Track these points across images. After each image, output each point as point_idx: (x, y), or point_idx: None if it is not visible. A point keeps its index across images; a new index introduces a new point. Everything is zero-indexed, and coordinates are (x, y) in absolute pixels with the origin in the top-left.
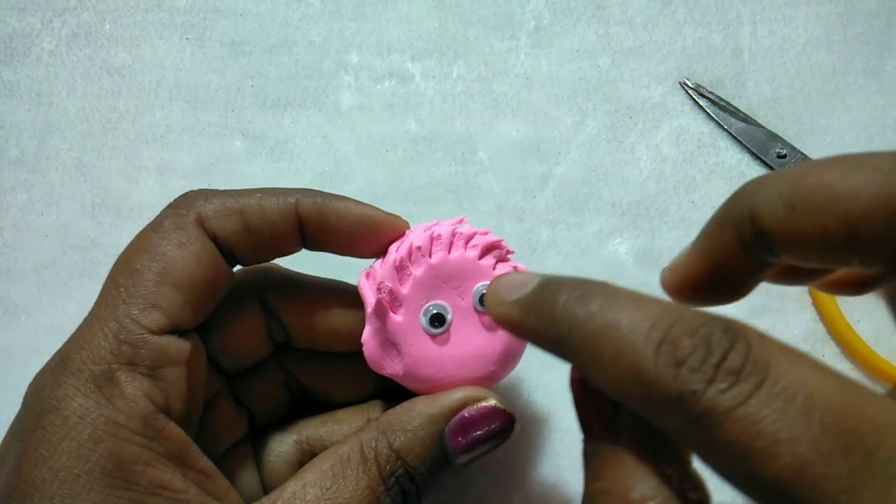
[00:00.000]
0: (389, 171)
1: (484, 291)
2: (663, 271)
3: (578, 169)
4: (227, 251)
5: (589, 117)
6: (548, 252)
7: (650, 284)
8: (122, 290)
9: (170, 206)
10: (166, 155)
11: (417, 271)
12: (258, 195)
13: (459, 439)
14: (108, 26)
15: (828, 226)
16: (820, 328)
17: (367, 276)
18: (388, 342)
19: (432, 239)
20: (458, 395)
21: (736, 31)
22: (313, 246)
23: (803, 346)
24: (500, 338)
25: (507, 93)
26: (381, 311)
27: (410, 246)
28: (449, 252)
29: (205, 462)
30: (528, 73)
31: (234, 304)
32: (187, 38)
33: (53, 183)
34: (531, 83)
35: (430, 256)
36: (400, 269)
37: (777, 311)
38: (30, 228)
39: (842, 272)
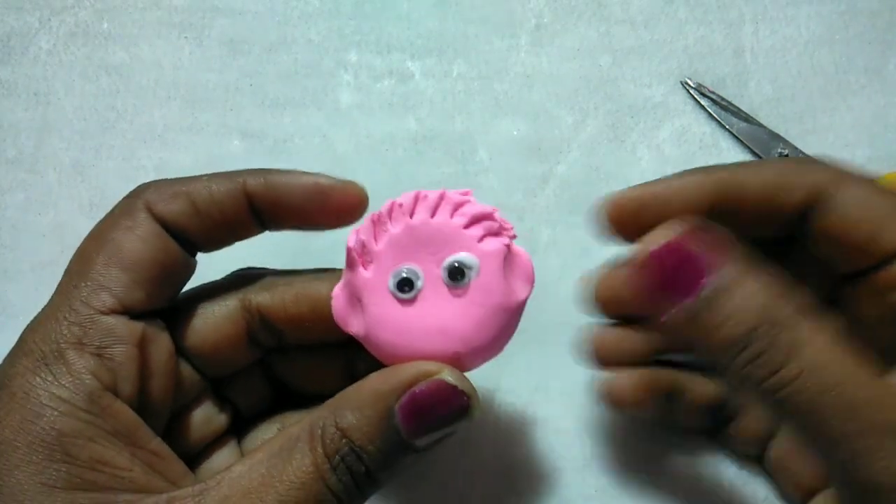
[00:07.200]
0: (389, 171)
1: (455, 264)
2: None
3: (579, 168)
4: (180, 236)
5: (590, 116)
6: (548, 252)
7: None
8: (74, 275)
9: (124, 197)
10: (164, 154)
11: (395, 229)
12: (206, 179)
13: (409, 418)
14: (105, 25)
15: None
16: None
17: (357, 231)
18: (355, 298)
19: (417, 198)
20: (410, 370)
21: (738, 30)
22: (271, 224)
23: None
24: (471, 317)
25: (508, 91)
26: (350, 262)
27: (392, 203)
28: (433, 215)
29: (157, 444)
30: (529, 72)
31: (212, 307)
32: (185, 37)
33: (51, 182)
34: (532, 82)
35: (410, 216)
36: (377, 223)
37: None
38: (27, 228)
39: None
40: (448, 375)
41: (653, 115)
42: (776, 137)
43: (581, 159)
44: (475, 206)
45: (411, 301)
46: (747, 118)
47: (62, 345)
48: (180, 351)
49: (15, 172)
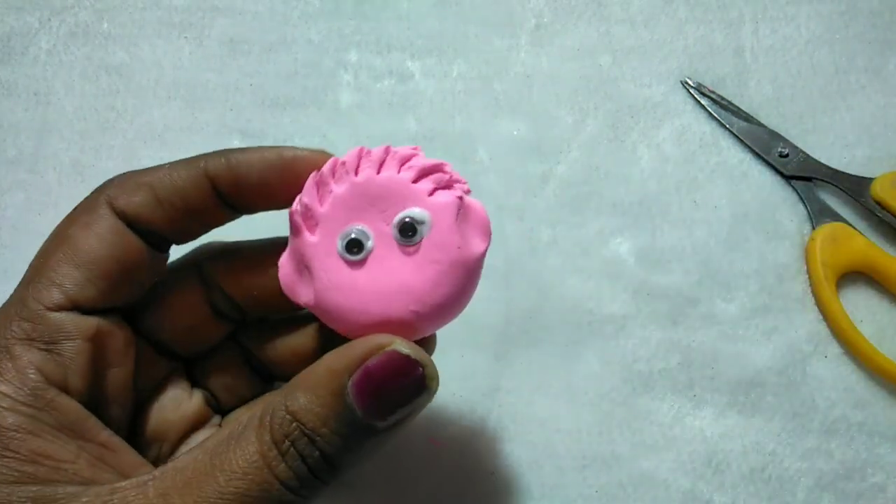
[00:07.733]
0: None
1: (406, 220)
2: None
3: (579, 168)
4: (145, 230)
5: (590, 116)
6: (548, 252)
7: (651, 284)
8: (32, 272)
9: (92, 191)
10: (164, 154)
11: (339, 189)
12: (168, 167)
13: (363, 395)
14: (105, 25)
15: None
16: (823, 328)
17: (299, 195)
18: (303, 265)
19: (361, 155)
20: (364, 344)
21: (738, 29)
22: (241, 208)
23: (807, 347)
24: (426, 274)
25: (508, 91)
26: (294, 227)
27: (335, 161)
28: (378, 171)
29: (107, 436)
30: (529, 72)
31: (171, 283)
32: (185, 37)
33: (51, 183)
34: (532, 82)
35: (355, 174)
36: (320, 184)
37: (780, 311)
38: (27, 229)
39: None
40: (400, 346)
41: (653, 115)
42: (776, 137)
43: (581, 159)
44: (423, 160)
45: (362, 263)
46: (747, 118)
47: (10, 340)
48: (145, 334)
49: (15, 172)
